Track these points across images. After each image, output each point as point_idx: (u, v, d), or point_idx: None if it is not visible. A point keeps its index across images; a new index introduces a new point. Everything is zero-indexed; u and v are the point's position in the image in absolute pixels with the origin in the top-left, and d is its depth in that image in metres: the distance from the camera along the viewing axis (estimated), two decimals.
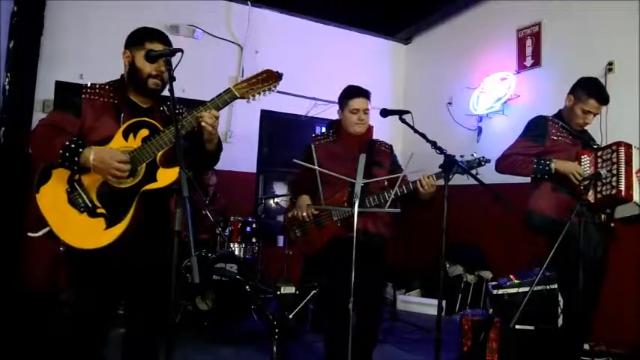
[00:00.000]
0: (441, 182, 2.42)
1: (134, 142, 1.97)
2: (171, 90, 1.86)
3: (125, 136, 1.97)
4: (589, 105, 2.91)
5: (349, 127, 2.81)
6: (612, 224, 2.91)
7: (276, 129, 6.58)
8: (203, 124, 1.96)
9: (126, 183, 1.94)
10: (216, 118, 1.99)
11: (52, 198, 1.96)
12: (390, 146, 2.94)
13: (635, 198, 2.74)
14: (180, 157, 1.73)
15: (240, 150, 6.08)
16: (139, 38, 2.05)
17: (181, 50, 1.91)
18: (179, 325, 4.11)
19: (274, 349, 3.25)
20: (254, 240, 4.95)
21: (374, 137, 3.08)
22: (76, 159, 1.87)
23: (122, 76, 2.11)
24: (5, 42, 4.67)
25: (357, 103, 2.79)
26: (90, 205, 1.95)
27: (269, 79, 2.02)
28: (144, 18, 5.43)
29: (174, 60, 1.91)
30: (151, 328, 2.09)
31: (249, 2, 6.12)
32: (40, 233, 1.95)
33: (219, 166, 5.57)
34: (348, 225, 2.62)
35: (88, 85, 2.05)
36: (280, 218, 6.40)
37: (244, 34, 6.10)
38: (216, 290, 4.29)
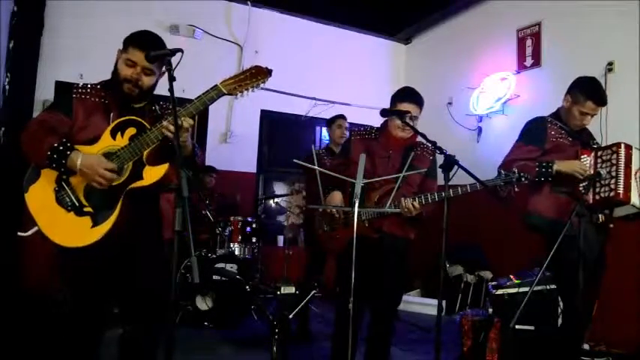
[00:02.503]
0: (441, 182, 2.41)
1: (122, 141, 1.97)
2: (171, 90, 1.85)
3: (113, 135, 1.98)
4: (586, 107, 2.90)
5: (392, 130, 2.74)
6: (611, 225, 2.90)
7: (276, 129, 6.58)
8: (167, 133, 1.93)
9: (112, 182, 1.95)
10: (189, 125, 1.96)
11: (40, 197, 1.97)
12: (433, 150, 2.79)
13: (633, 200, 2.73)
14: (180, 157, 1.72)
15: (240, 150, 6.08)
16: (126, 41, 2.07)
17: (181, 50, 1.91)
18: (179, 325, 4.11)
19: (274, 349, 3.25)
20: (254, 240, 4.95)
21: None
22: (63, 162, 1.89)
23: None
24: (5, 42, 4.67)
25: (404, 107, 2.67)
26: (77, 203, 1.96)
27: (258, 74, 1.99)
28: (144, 18, 5.46)
29: (174, 60, 1.91)
30: (148, 327, 2.08)
31: (249, 2, 6.12)
32: (29, 233, 1.96)
33: (219, 167, 5.63)
34: (374, 225, 2.64)
35: (80, 85, 2.07)
36: (280, 218, 6.41)
37: (244, 34, 6.10)
38: (216, 290, 4.29)
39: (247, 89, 2.00)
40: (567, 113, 2.96)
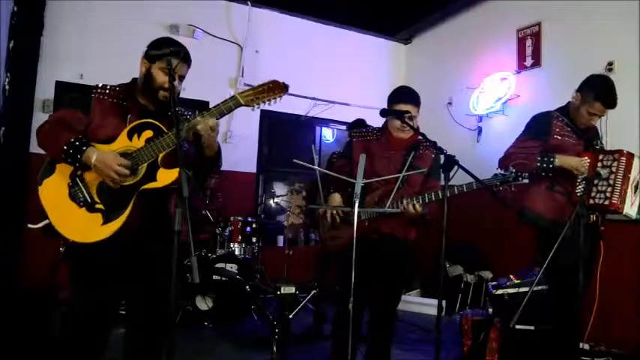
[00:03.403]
0: (441, 182, 2.41)
1: (138, 143, 2.01)
2: (171, 89, 1.87)
3: (130, 137, 2.01)
4: (595, 107, 2.87)
5: (391, 130, 2.75)
6: (602, 227, 2.88)
7: (276, 129, 6.58)
8: (200, 129, 1.98)
9: (126, 181, 1.98)
10: (215, 125, 2.00)
11: (53, 191, 2.01)
12: (435, 145, 2.71)
13: (626, 210, 2.73)
14: (180, 157, 1.74)
15: (240, 150, 6.07)
16: (161, 53, 2.06)
17: None
18: (179, 325, 4.11)
19: (274, 349, 3.25)
20: (254, 240, 4.95)
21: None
22: (79, 156, 1.92)
23: (133, 79, 2.15)
24: (5, 42, 4.67)
25: (401, 107, 2.67)
26: (89, 200, 1.99)
27: (275, 89, 2.06)
28: (144, 18, 5.46)
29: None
30: (152, 327, 2.09)
31: (249, 2, 6.12)
32: (40, 225, 1.98)
33: None
34: (374, 226, 2.63)
35: (99, 85, 2.10)
36: (280, 218, 6.41)
37: (244, 34, 6.10)
38: (216, 290, 4.29)
39: (264, 102, 2.07)
40: (575, 111, 2.94)
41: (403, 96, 2.73)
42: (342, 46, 6.77)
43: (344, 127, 6.73)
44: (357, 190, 2.29)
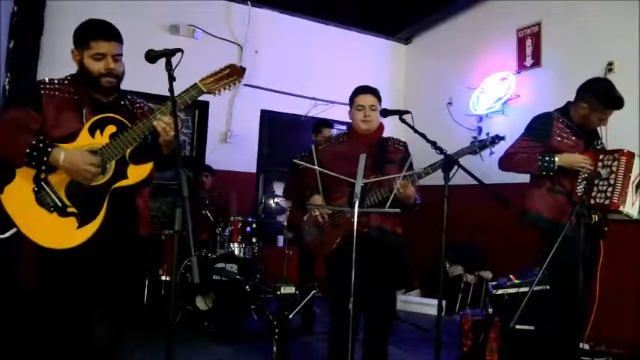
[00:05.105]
0: (441, 182, 2.41)
1: (101, 139, 1.94)
2: (171, 90, 1.85)
3: (92, 133, 1.94)
4: (607, 114, 2.90)
5: (356, 125, 2.82)
6: (606, 228, 2.88)
7: (276, 129, 6.58)
8: (159, 128, 1.93)
9: (96, 181, 1.92)
10: (169, 122, 1.94)
11: (18, 198, 1.90)
12: (404, 143, 2.89)
13: (627, 210, 2.73)
14: (178, 157, 1.72)
15: (240, 150, 6.08)
16: (82, 38, 2.03)
17: (181, 50, 1.91)
18: (179, 325, 4.11)
19: (274, 349, 3.25)
20: (254, 240, 4.95)
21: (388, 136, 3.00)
22: (45, 159, 1.84)
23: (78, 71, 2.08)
24: (5, 42, 4.67)
25: (361, 99, 2.79)
26: (60, 204, 1.90)
27: (233, 73, 2.04)
28: (144, 18, 5.46)
29: (174, 60, 1.90)
30: (112, 325, 2.04)
31: (249, 2, 6.12)
32: (7, 235, 1.89)
33: (219, 167, 5.63)
34: (360, 221, 2.63)
35: (47, 80, 2.03)
36: (280, 218, 6.41)
37: (244, 33, 6.10)
38: (216, 290, 4.29)
39: (225, 88, 2.04)
40: (583, 119, 2.92)
41: (362, 88, 2.86)
42: (342, 46, 6.77)
43: (344, 128, 6.74)
44: (357, 190, 2.29)
